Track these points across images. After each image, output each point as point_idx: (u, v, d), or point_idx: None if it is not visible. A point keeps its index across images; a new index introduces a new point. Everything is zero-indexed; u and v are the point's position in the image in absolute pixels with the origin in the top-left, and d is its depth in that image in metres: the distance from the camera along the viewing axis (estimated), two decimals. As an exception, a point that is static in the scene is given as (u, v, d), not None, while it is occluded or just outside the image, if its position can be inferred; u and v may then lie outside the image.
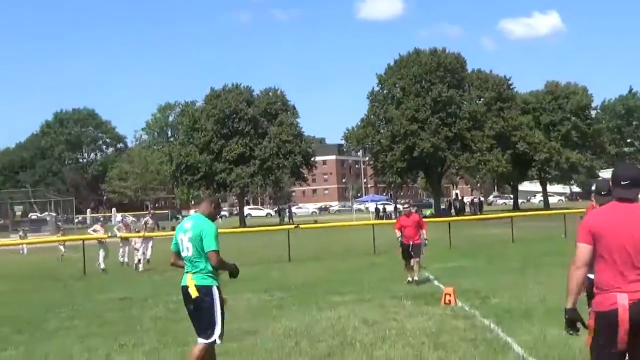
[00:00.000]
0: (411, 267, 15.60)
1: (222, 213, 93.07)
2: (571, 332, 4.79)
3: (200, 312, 6.58)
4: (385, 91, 70.91)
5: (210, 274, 6.57)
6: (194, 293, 6.50)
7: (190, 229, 6.59)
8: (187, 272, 6.66)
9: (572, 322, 4.74)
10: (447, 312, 11.35)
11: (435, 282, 15.63)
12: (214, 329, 6.54)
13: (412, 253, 15.45)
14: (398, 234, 15.90)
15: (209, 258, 6.51)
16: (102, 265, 23.60)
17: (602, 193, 6.09)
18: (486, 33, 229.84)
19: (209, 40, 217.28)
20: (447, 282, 14.45)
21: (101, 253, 23.89)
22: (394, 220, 41.93)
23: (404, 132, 65.13)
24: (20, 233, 38.81)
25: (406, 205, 17.77)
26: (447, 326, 10.05)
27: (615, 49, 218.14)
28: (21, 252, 34.66)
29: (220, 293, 6.64)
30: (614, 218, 4.66)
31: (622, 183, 4.77)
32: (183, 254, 6.69)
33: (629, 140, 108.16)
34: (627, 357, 4.56)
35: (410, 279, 15.42)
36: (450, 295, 12.19)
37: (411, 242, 15.48)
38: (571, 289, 4.68)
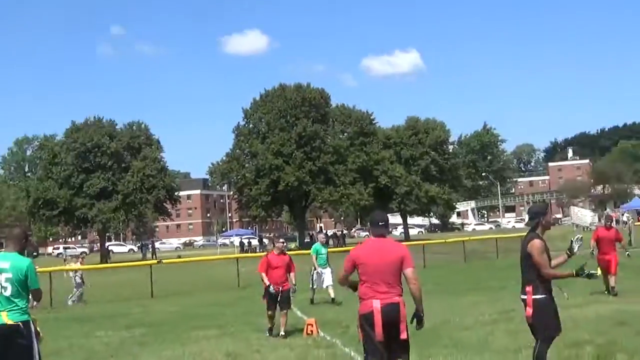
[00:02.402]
0: (275, 317, 12.93)
1: (82, 250, 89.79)
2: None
3: (18, 350, 6.48)
4: (250, 125, 71.57)
5: (26, 311, 6.61)
6: (12, 328, 6.43)
7: (9, 270, 6.55)
8: (0, 311, 6.54)
9: None
10: (309, 342, 11.62)
11: (299, 314, 15.71)
12: None
13: (281, 304, 12.79)
14: (265, 278, 12.83)
15: (34, 295, 6.73)
16: None
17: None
18: (348, 69, 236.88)
19: (71, 73, 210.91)
20: (310, 313, 14.79)
21: None
22: (260, 254, 42.02)
23: (269, 167, 65.88)
24: None
25: (282, 241, 14.01)
26: (309, 356, 10.37)
27: (471, 86, 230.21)
28: None
29: (35, 327, 6.69)
30: (371, 248, 6.80)
31: (379, 224, 6.95)
32: None
33: (483, 174, 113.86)
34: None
35: (270, 332, 12.70)
36: (312, 325, 12.42)
37: (280, 289, 12.65)
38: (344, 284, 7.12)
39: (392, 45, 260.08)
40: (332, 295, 18.10)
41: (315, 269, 18.40)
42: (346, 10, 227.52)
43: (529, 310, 7.12)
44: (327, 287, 18.33)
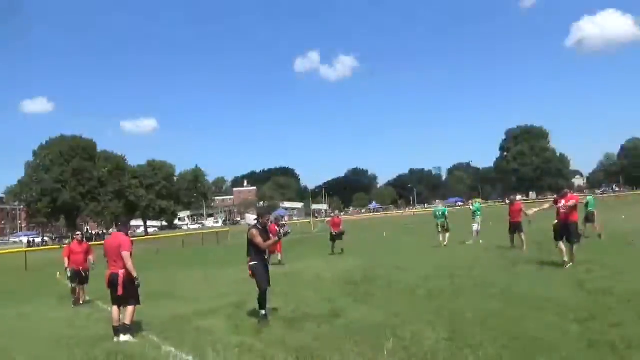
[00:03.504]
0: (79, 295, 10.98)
1: None
2: None
3: None
4: (38, 161, 66.68)
5: None
6: None
7: None
8: None
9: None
10: (79, 305, 10.53)
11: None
12: None
13: (81, 280, 10.96)
14: (66, 262, 11.20)
15: None
16: None
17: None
18: (111, 127, 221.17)
19: None
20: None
21: None
22: (45, 247, 40.15)
23: (51, 189, 63.08)
24: None
25: (78, 233, 12.06)
26: (75, 315, 9.33)
27: (188, 139, 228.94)
28: None
29: None
30: (110, 238, 7.25)
31: (117, 224, 7.59)
32: None
33: (195, 195, 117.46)
34: None
35: (75, 304, 10.71)
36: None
37: (81, 269, 10.98)
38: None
39: (138, 112, 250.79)
40: None
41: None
42: (106, 83, 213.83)
43: (250, 272, 7.37)
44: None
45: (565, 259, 9.93)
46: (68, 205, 64.54)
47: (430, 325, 6.38)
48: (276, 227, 14.83)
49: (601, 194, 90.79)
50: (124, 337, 6.89)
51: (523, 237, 13.99)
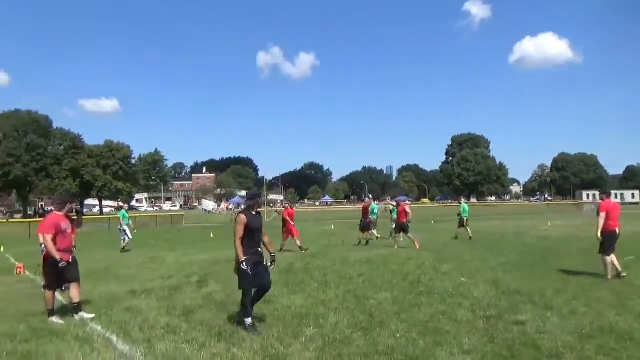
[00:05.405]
0: None
1: None
2: None
3: None
4: (-10, 135, 63.48)
5: None
6: None
7: None
8: None
9: None
10: (17, 279, 10.62)
11: (12, 260, 14.08)
12: None
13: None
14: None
15: None
16: None
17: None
18: (68, 106, 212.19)
19: None
20: (19, 260, 13.17)
21: None
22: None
23: (2, 163, 60.04)
24: None
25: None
26: (15, 288, 9.37)
27: (147, 124, 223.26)
28: None
29: None
30: None
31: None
32: None
33: (153, 178, 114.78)
34: None
35: None
36: (20, 268, 11.43)
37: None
38: None
39: (98, 93, 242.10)
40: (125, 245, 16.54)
41: (122, 226, 16.99)
42: (66, 59, 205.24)
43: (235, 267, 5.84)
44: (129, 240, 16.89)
45: None
46: (20, 180, 61.66)
47: (351, 314, 6.46)
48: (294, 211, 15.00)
49: (535, 201, 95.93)
50: (77, 316, 6.59)
51: (411, 235, 14.59)
